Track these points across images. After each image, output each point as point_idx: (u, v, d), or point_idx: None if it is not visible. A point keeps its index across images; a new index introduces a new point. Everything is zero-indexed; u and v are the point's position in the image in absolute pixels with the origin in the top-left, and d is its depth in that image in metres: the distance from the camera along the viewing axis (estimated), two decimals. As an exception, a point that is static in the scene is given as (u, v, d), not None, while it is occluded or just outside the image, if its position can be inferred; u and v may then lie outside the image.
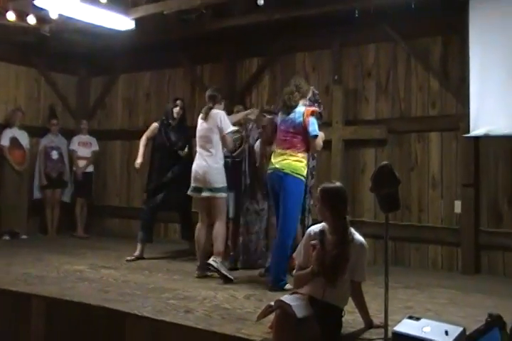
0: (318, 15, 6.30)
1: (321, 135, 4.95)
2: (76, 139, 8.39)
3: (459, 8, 5.66)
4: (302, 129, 4.83)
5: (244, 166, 5.82)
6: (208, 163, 5.33)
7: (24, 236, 7.82)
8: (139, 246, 6.34)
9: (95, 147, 8.50)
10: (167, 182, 6.37)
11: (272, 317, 3.30)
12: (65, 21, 6.63)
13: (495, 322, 3.10)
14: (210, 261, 5.16)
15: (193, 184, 5.44)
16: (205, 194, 5.33)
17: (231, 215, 5.92)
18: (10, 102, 8.26)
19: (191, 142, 6.38)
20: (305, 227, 5.03)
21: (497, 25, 5.44)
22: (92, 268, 5.74)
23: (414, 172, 6.31)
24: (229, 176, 5.49)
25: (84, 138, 8.46)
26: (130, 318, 3.93)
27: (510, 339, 3.12)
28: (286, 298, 3.29)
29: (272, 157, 4.97)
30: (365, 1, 6.06)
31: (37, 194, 8.16)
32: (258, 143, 5.74)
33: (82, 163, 8.30)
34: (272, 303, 3.28)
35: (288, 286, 4.62)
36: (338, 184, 3.62)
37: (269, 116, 5.51)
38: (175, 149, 6.41)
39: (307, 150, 4.90)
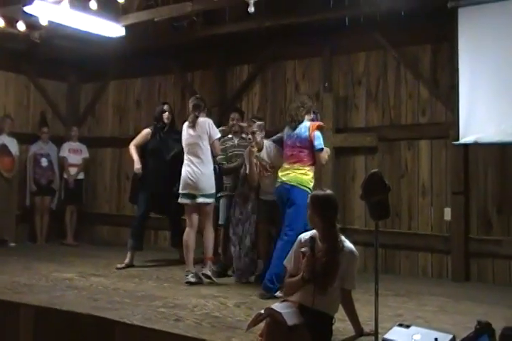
0: (308, 23, 6.34)
1: (326, 149, 5.14)
2: (66, 146, 8.35)
3: (448, 16, 5.70)
4: (309, 143, 5.02)
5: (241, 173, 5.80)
6: (200, 170, 5.40)
7: (12, 244, 7.74)
8: (128, 254, 6.31)
9: (85, 154, 8.46)
10: (174, 193, 5.87)
11: (262, 325, 3.28)
12: (55, 28, 6.57)
13: (484, 329, 3.12)
14: (207, 271, 5.39)
15: (183, 191, 5.44)
16: (200, 200, 5.39)
17: (221, 221, 5.91)
18: (-1, 109, 8.23)
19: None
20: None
21: (486, 33, 5.47)
22: (82, 276, 5.70)
23: (404, 179, 6.32)
24: (218, 182, 5.59)
25: (75, 145, 8.42)
26: (120, 326, 3.91)
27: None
28: (276, 305, 3.29)
29: (280, 171, 5.13)
30: (355, 10, 6.11)
31: (29, 201, 8.11)
32: (247, 150, 5.73)
33: (73, 171, 8.26)
34: (262, 311, 3.27)
35: (278, 294, 4.64)
36: (328, 191, 3.63)
37: (258, 122, 5.56)
38: (173, 154, 6.25)
39: (314, 163, 5.07)
